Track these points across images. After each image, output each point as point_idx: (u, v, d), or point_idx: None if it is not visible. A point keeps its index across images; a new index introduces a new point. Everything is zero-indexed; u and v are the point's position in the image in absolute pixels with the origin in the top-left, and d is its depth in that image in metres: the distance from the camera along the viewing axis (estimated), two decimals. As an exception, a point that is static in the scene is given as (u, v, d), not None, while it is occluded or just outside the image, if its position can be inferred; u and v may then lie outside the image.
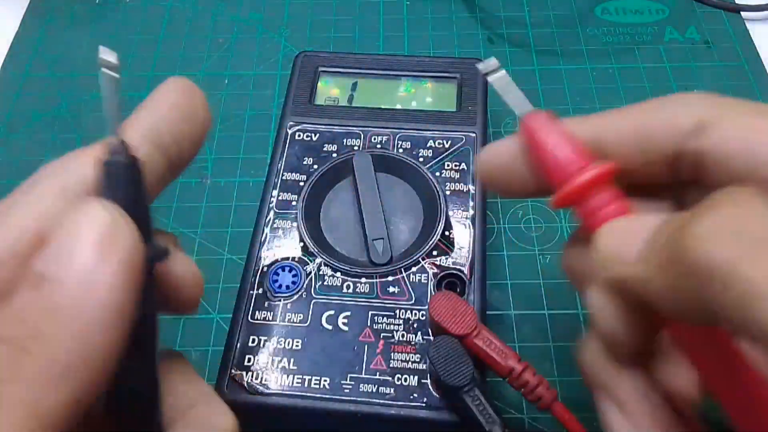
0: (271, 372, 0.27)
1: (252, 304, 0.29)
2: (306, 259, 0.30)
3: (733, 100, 0.17)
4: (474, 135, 0.34)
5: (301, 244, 0.31)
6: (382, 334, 0.28)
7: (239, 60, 0.46)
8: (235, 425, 0.19)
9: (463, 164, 0.33)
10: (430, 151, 0.34)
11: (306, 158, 0.34)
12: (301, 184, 0.33)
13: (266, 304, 0.29)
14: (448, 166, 0.33)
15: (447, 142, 0.34)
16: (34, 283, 0.14)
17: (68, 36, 0.48)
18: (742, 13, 0.47)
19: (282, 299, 0.29)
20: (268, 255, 0.31)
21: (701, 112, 0.17)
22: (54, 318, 0.14)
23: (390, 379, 0.27)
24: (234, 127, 0.42)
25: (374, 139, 0.34)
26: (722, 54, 0.45)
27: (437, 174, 0.33)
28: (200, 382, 0.20)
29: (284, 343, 0.28)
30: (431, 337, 0.28)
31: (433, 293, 0.29)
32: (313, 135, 0.35)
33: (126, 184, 0.17)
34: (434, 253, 0.30)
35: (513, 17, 0.48)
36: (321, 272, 0.30)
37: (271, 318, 0.29)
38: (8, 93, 0.44)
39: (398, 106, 0.36)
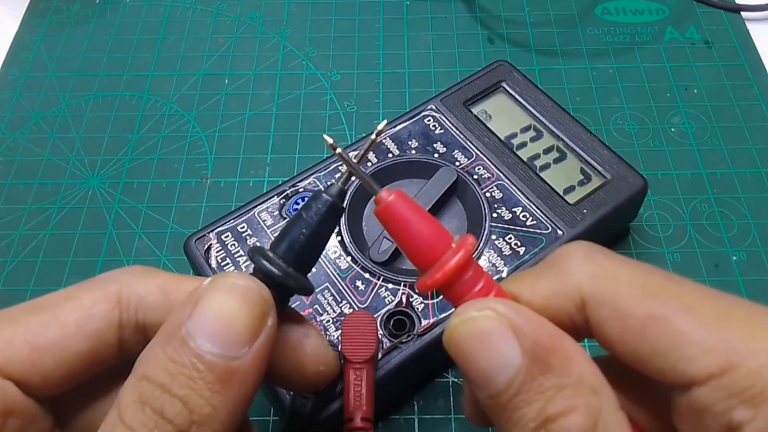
0: (224, 255, 0.31)
1: (265, 206, 0.33)
2: None
3: (605, 273, 0.18)
4: (561, 234, 0.31)
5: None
6: (315, 306, 0.29)
7: (239, 60, 0.46)
8: None
9: (523, 248, 0.31)
10: (511, 215, 0.32)
11: (413, 140, 0.34)
12: (389, 155, 0.34)
13: (275, 213, 0.32)
14: (510, 238, 0.31)
15: (531, 220, 0.31)
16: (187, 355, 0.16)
17: (68, 36, 0.48)
18: (742, 13, 0.47)
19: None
20: (306, 186, 0.33)
21: (581, 288, 0.18)
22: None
23: None
24: (234, 127, 0.42)
25: (478, 169, 0.33)
26: (722, 54, 0.45)
27: (493, 236, 0.31)
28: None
29: (251, 242, 0.31)
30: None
31: (384, 319, 0.29)
32: (437, 128, 0.35)
33: (321, 218, 0.19)
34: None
35: (513, 17, 0.48)
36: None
37: (268, 223, 0.32)
38: (8, 93, 0.44)
39: (525, 158, 0.34)
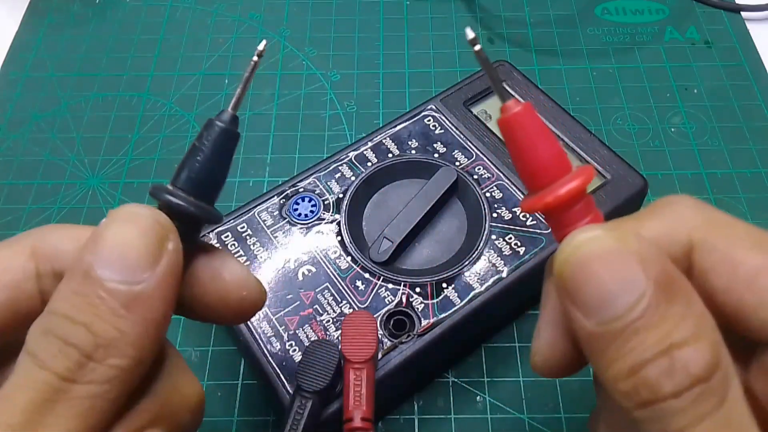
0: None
1: (265, 206, 0.32)
2: (331, 216, 0.32)
3: (717, 220, 0.18)
4: None
5: (341, 195, 0.32)
6: (315, 306, 0.29)
7: (239, 60, 0.46)
8: (202, 394, 0.20)
9: (523, 248, 0.30)
10: (511, 215, 0.31)
11: (413, 140, 0.34)
12: (389, 156, 0.34)
13: (275, 213, 0.32)
14: (510, 238, 0.31)
15: (531, 220, 0.31)
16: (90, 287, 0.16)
17: (68, 36, 0.48)
18: (742, 13, 0.47)
19: (292, 223, 0.32)
20: (306, 186, 0.33)
21: (691, 233, 0.18)
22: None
23: (284, 337, 0.28)
24: (234, 127, 0.42)
25: (478, 169, 0.33)
26: (722, 54, 0.45)
27: (493, 236, 0.31)
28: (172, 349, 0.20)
29: (251, 242, 0.31)
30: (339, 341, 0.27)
31: (384, 319, 0.29)
32: (437, 128, 0.35)
33: (215, 144, 0.19)
34: (417, 289, 0.29)
35: (513, 17, 0.48)
36: (328, 225, 0.32)
37: (268, 223, 0.32)
38: (8, 93, 0.44)
39: None
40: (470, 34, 0.18)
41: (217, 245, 0.31)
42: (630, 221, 0.18)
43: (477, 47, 0.18)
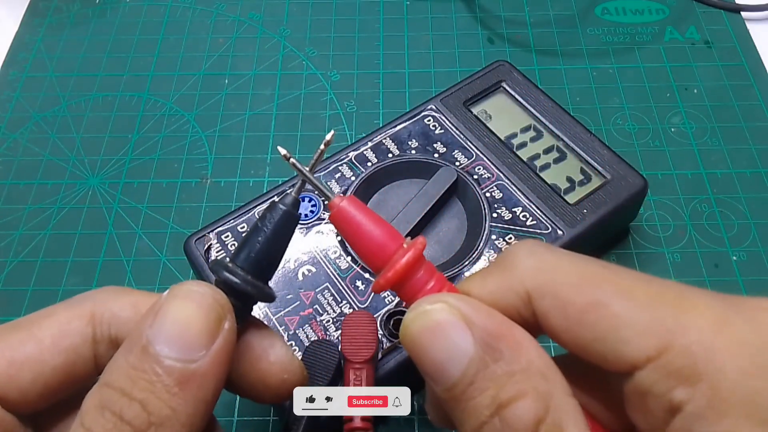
0: (224, 256, 0.31)
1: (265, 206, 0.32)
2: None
3: (546, 264, 0.18)
4: (561, 234, 0.31)
5: None
6: (316, 306, 0.29)
7: (239, 60, 0.46)
8: None
9: None
10: (511, 215, 0.32)
11: (413, 140, 0.34)
12: (389, 155, 0.34)
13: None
14: (510, 238, 0.31)
15: (531, 220, 0.31)
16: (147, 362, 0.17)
17: (68, 36, 0.48)
18: (742, 13, 0.47)
19: None
20: (306, 186, 0.34)
21: (525, 282, 0.18)
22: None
23: (284, 337, 0.28)
24: (234, 127, 0.42)
25: (479, 169, 0.33)
26: (722, 54, 0.45)
27: (493, 236, 0.31)
28: None
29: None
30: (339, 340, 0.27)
31: (384, 319, 0.29)
32: (437, 128, 0.35)
33: (277, 226, 0.20)
34: None
35: (513, 17, 0.48)
36: (328, 225, 0.32)
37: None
38: (8, 93, 0.44)
39: (525, 158, 0.34)
40: (282, 150, 0.20)
41: (217, 244, 0.31)
42: (474, 279, 0.19)
43: (292, 160, 0.20)
